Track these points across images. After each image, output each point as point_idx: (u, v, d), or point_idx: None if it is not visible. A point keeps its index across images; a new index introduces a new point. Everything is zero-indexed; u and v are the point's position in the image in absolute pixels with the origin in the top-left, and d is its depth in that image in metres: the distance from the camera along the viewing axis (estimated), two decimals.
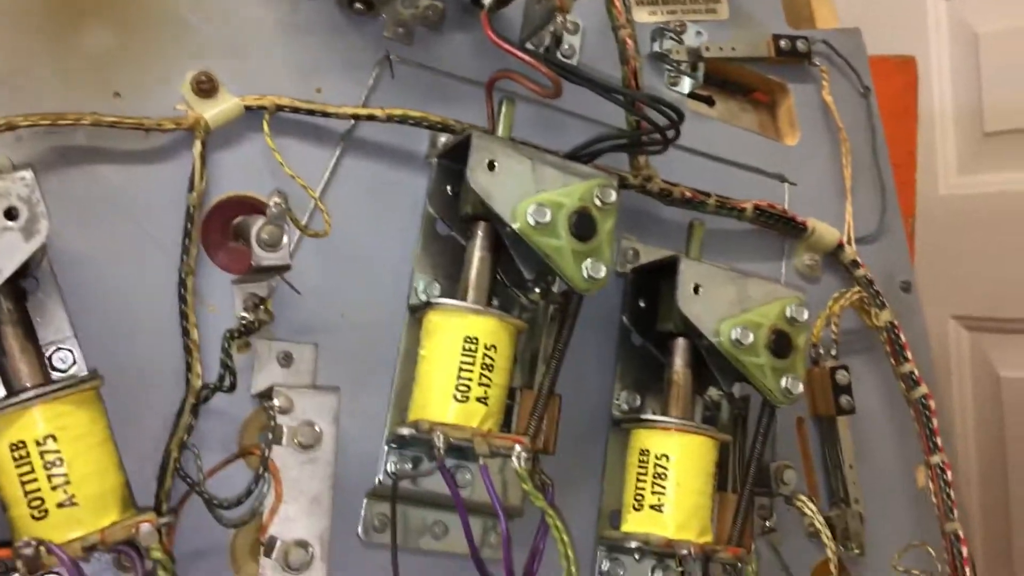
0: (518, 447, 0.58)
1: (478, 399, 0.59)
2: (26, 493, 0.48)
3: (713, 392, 0.72)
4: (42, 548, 0.45)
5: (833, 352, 0.79)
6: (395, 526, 0.60)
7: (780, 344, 0.67)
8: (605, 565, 0.68)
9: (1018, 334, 1.57)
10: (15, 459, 0.48)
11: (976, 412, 1.64)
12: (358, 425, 0.62)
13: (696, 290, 0.66)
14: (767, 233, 0.80)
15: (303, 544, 0.54)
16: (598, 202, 0.62)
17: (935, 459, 0.77)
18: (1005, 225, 1.55)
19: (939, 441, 0.77)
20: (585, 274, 0.61)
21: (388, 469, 0.62)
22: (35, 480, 0.48)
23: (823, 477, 0.79)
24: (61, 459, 0.48)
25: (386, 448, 0.63)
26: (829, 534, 0.68)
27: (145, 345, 0.59)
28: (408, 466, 0.62)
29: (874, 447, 0.82)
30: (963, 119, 1.66)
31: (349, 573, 0.61)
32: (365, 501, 0.63)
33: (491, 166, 0.61)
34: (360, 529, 0.62)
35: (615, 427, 0.71)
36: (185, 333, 0.58)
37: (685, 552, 0.61)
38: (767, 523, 0.74)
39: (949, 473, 0.77)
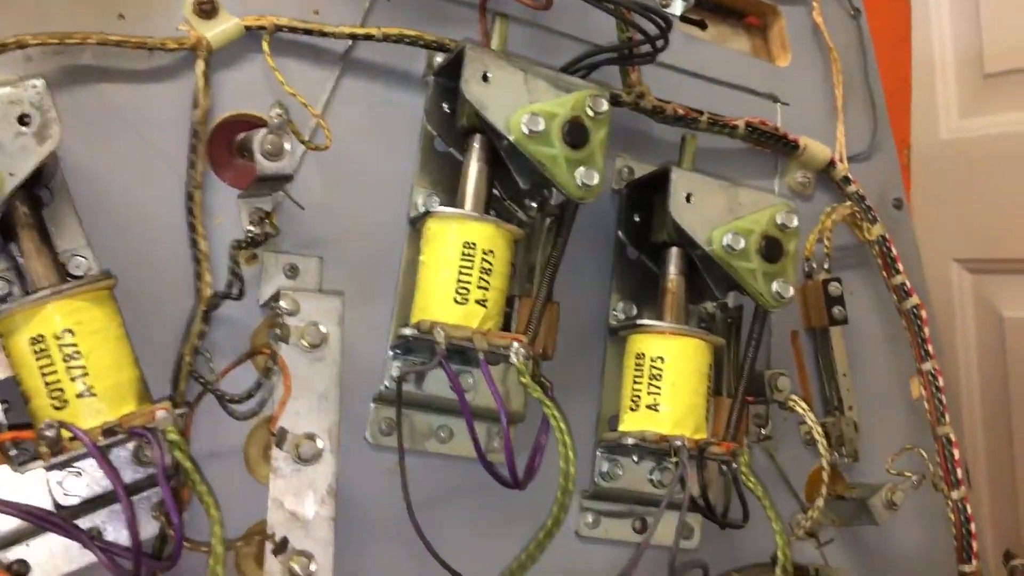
0: (516, 344, 0.60)
1: (477, 301, 0.61)
2: (47, 384, 0.50)
3: (708, 305, 0.75)
4: (63, 430, 0.48)
5: (826, 265, 0.81)
6: (400, 426, 0.62)
7: (771, 249, 0.68)
8: (604, 466, 0.71)
9: (1020, 274, 1.58)
10: (35, 352, 0.50)
11: (979, 353, 1.66)
12: (363, 335, 0.65)
13: (688, 199, 0.68)
14: (760, 152, 0.82)
15: (312, 437, 0.56)
16: (590, 112, 0.64)
17: (927, 366, 0.79)
18: (1007, 167, 1.56)
19: (931, 349, 0.79)
20: (579, 181, 0.63)
21: (393, 374, 0.65)
22: (55, 372, 0.50)
23: (818, 388, 0.81)
24: (79, 352, 0.50)
25: (391, 354, 0.65)
26: (821, 430, 0.70)
27: (156, 257, 0.61)
28: (411, 370, 0.65)
29: (868, 359, 0.84)
30: (963, 62, 1.66)
31: (358, 475, 0.64)
32: (372, 406, 0.65)
33: (485, 78, 0.63)
34: (368, 433, 0.65)
35: (612, 336, 0.73)
36: (194, 244, 0.61)
37: (679, 444, 0.63)
38: (763, 431, 0.76)
39: (941, 379, 0.79)
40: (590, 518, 0.71)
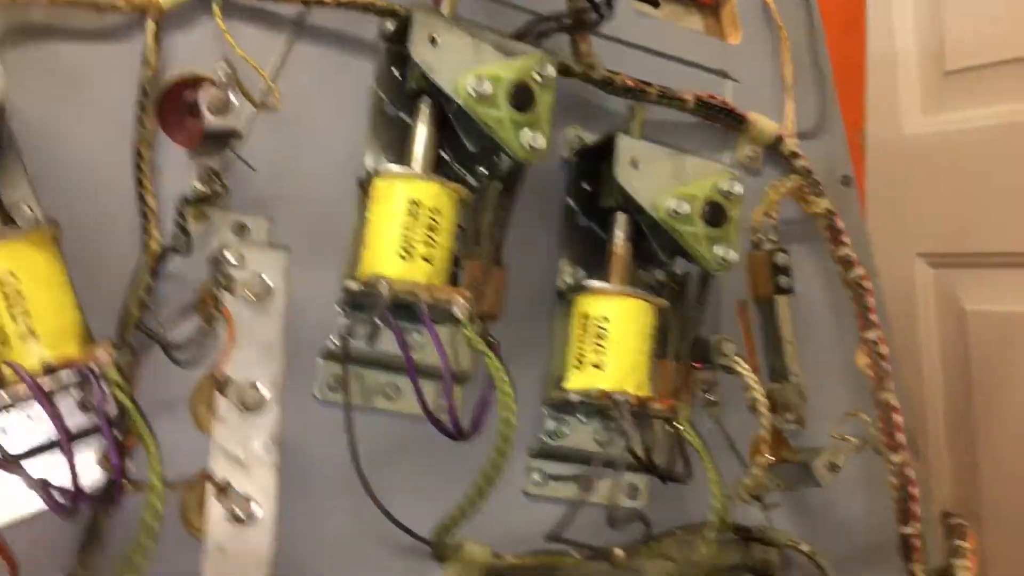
0: (460, 298, 0.61)
1: (423, 258, 0.62)
2: None
3: (656, 273, 0.76)
4: (5, 367, 0.48)
5: (773, 237, 0.82)
6: (347, 382, 0.63)
7: (714, 214, 0.70)
8: (551, 425, 0.72)
9: (981, 268, 1.61)
10: None
11: (942, 347, 1.68)
12: (313, 294, 0.66)
13: (634, 164, 0.70)
14: (710, 126, 0.84)
15: (256, 386, 0.57)
16: (537, 76, 0.65)
17: (870, 335, 0.80)
18: (969, 161, 1.59)
19: (874, 318, 0.81)
20: (525, 143, 0.64)
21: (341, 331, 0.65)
22: None
23: (765, 357, 0.83)
24: (20, 293, 0.51)
25: (340, 311, 0.66)
26: (761, 390, 0.72)
27: (104, 213, 0.62)
28: (360, 327, 0.66)
29: (815, 330, 0.86)
30: (925, 59, 1.69)
31: (307, 430, 0.65)
32: (321, 362, 0.66)
33: (433, 41, 0.64)
34: (316, 389, 0.66)
35: (561, 300, 0.74)
36: (142, 200, 0.62)
37: (621, 399, 0.65)
38: (709, 396, 0.78)
39: (883, 347, 0.80)
40: (537, 477, 0.72)
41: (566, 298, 0.73)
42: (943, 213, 1.63)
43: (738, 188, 0.71)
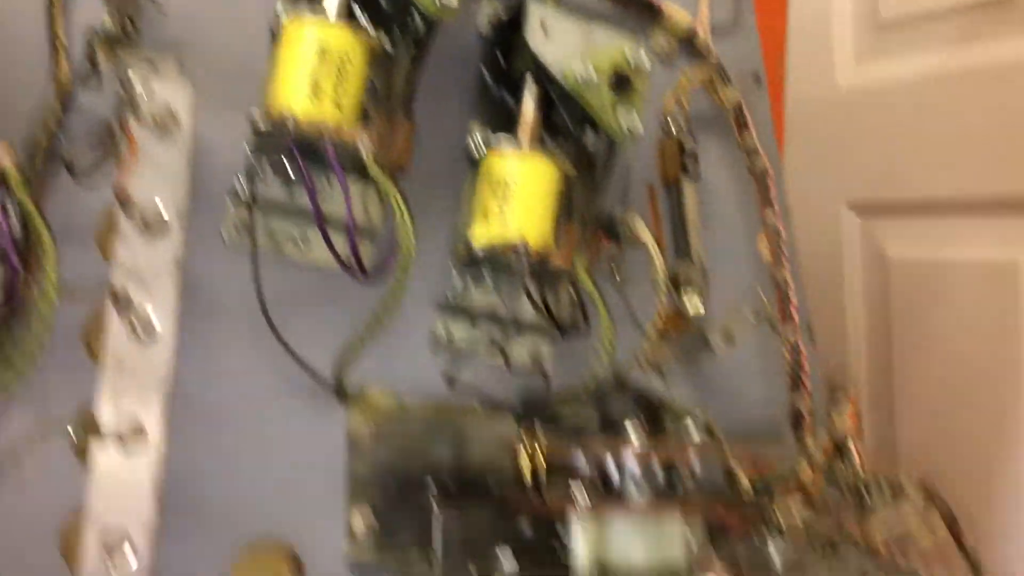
0: (367, 138, 0.63)
1: (331, 102, 0.64)
2: None
3: (566, 146, 0.78)
4: None
5: (682, 122, 0.85)
6: (252, 220, 0.64)
7: (621, 84, 0.72)
8: (458, 283, 0.74)
9: (905, 216, 1.66)
10: None
11: (865, 293, 1.73)
12: (224, 138, 0.67)
13: (544, 30, 0.72)
14: (624, 14, 0.86)
15: (159, 209, 0.58)
16: None
17: (769, 217, 0.84)
18: (900, 111, 1.63)
19: (774, 200, 0.84)
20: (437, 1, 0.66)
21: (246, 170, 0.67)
22: None
23: (671, 241, 0.86)
24: None
25: (251, 157, 0.67)
26: (659, 256, 0.75)
27: (15, 45, 0.62)
28: (271, 175, 0.67)
29: (720, 219, 0.89)
30: (859, 8, 1.73)
31: (214, 274, 0.66)
32: (230, 207, 0.67)
33: None
34: (224, 232, 0.67)
35: (472, 167, 0.76)
36: (51, 31, 0.62)
37: (521, 247, 0.67)
38: (615, 272, 0.81)
39: (783, 232, 0.84)
40: (442, 333, 0.74)
41: (476, 164, 0.75)
42: (873, 162, 1.67)
43: (644, 59, 0.73)
